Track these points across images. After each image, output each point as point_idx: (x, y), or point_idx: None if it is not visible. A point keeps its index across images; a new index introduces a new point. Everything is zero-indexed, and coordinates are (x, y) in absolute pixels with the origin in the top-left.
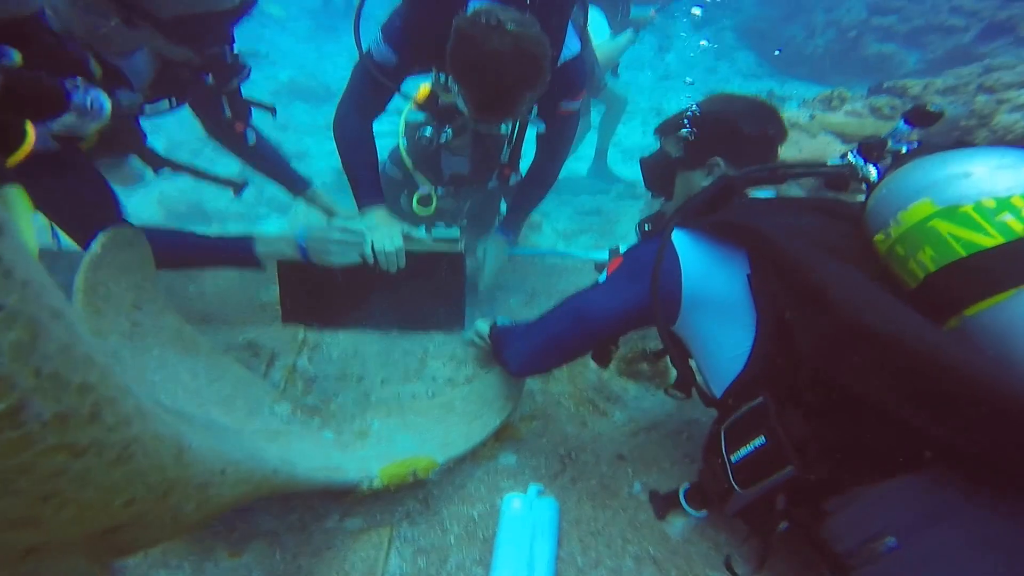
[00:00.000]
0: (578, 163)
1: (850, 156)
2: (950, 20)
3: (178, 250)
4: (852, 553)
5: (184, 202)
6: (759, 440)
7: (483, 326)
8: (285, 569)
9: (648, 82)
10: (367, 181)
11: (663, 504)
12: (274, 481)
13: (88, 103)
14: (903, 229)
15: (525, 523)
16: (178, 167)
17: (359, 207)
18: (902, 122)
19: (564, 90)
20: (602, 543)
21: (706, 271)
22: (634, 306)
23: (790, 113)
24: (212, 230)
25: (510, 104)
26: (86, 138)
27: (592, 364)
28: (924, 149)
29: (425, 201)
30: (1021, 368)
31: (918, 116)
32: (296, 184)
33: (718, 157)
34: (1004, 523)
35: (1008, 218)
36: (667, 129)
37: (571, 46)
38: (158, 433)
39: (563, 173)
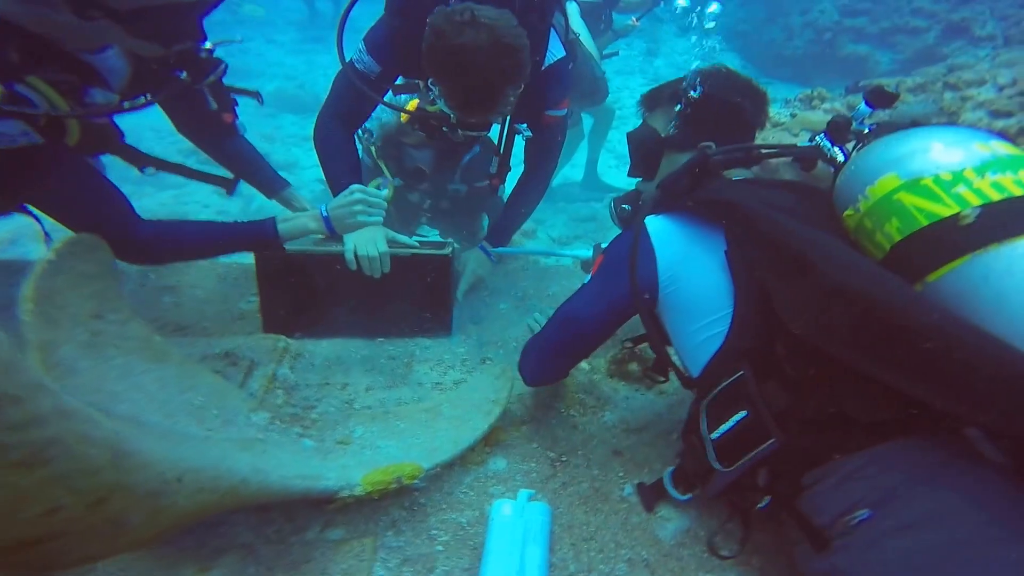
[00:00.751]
0: (573, 170)
1: (818, 139)
2: (913, 22)
3: (199, 238)
4: (829, 526)
5: (165, 216)
6: (740, 414)
7: (540, 318)
8: None
9: (638, 86)
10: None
11: (650, 495)
12: (244, 491)
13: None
14: (871, 203)
15: (515, 529)
16: (163, 165)
17: None
18: (863, 104)
19: (549, 94)
20: (594, 548)
21: (682, 253)
22: (617, 303)
23: (772, 112)
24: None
25: (492, 100)
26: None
27: (583, 365)
28: (885, 128)
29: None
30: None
31: (877, 97)
32: (275, 183)
33: (712, 142)
34: (978, 490)
35: (962, 189)
36: (656, 101)
37: (555, 50)
38: (86, 435)
39: (557, 180)
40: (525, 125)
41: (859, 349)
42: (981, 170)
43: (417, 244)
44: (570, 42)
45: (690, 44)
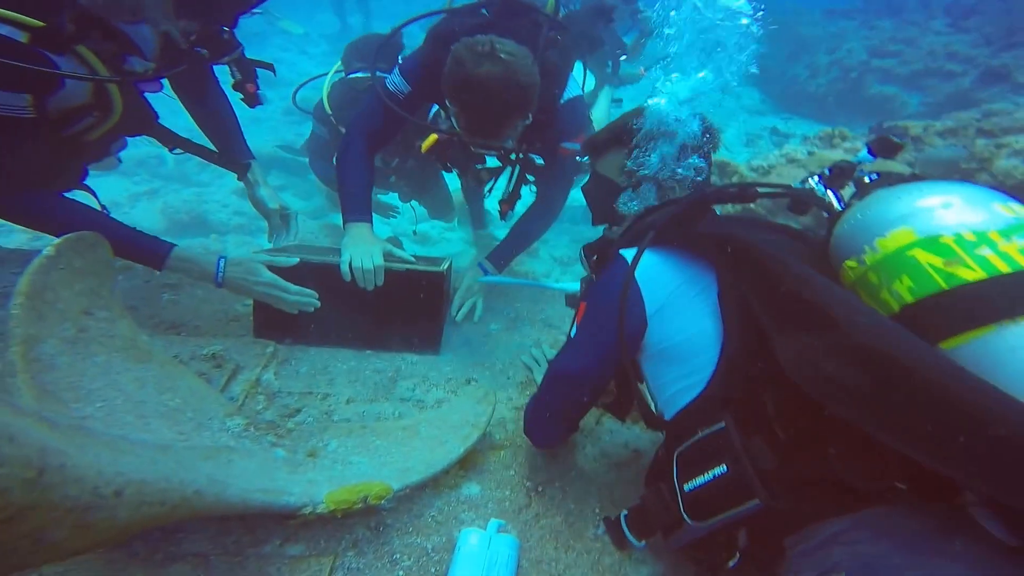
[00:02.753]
0: (578, 192)
1: (811, 181)
2: (948, 66)
3: (97, 228)
4: None
5: (186, 212)
6: (719, 468)
7: (537, 353)
8: None
9: None
10: (357, 198)
11: (618, 532)
12: (197, 503)
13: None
14: (879, 256)
15: (479, 561)
16: (189, 146)
17: (344, 222)
18: (865, 151)
19: (566, 128)
20: None
21: (669, 294)
22: (608, 357)
23: (789, 148)
24: (212, 242)
25: (498, 128)
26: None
27: None
28: (887, 179)
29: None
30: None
31: (881, 146)
32: (242, 153)
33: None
34: (972, 567)
35: (987, 252)
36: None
37: (572, 88)
38: None
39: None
40: (540, 155)
41: (877, 415)
42: (1007, 233)
43: (414, 259)
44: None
45: (711, 77)
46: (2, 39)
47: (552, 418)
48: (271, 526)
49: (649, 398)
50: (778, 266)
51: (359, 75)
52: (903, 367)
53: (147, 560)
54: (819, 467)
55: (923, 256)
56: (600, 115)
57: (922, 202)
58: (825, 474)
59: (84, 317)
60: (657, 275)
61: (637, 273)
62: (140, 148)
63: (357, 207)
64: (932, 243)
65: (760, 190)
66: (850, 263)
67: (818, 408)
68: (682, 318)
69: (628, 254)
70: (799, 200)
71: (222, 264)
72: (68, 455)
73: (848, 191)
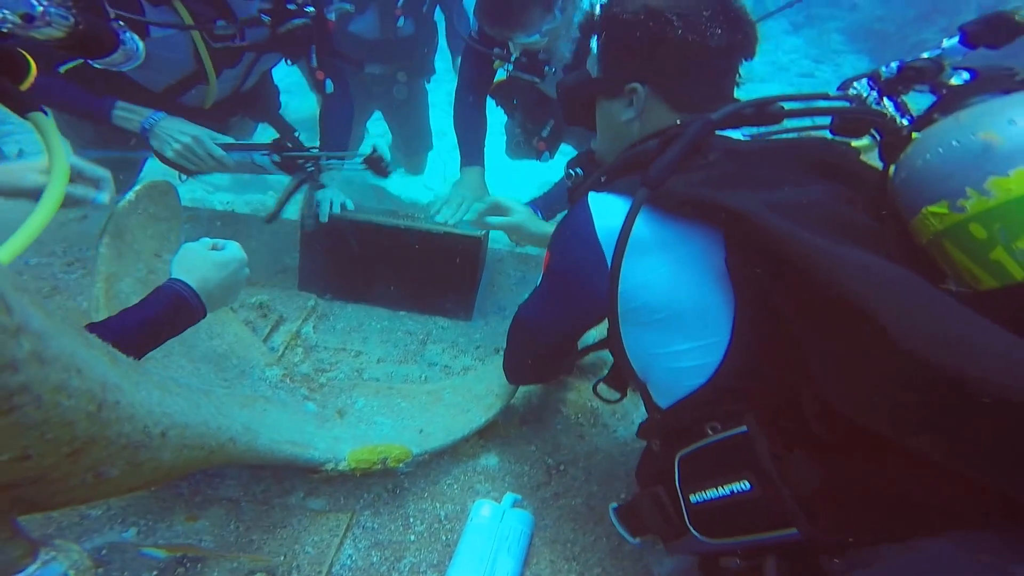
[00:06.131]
0: None
1: (857, 86)
2: None
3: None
4: None
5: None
6: (739, 485)
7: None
8: (236, 541)
9: None
10: (470, 145)
11: (632, 520)
12: (230, 450)
13: (133, 46)
14: (995, 202)
15: (490, 534)
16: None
17: (461, 166)
18: (958, 38)
19: None
20: (575, 570)
21: (652, 258)
22: (581, 318)
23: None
24: (271, 197)
25: (517, 14)
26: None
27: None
28: (994, 80)
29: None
30: None
31: (988, 29)
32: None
33: (636, 83)
34: None
35: None
36: (588, 29)
37: None
38: (62, 384)
39: None
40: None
41: (955, 452)
42: None
43: (452, 225)
44: None
45: (802, 42)
46: None
47: (520, 367)
48: (296, 478)
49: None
50: (801, 252)
51: None
52: (985, 390)
53: (189, 501)
54: (877, 478)
55: None
56: None
57: None
58: (883, 487)
59: (154, 259)
60: (639, 237)
61: (601, 233)
62: None
63: (469, 153)
64: None
65: (786, 106)
66: (935, 209)
67: None
68: (674, 287)
69: (599, 205)
70: (847, 119)
71: (159, 116)
72: (124, 391)
73: (916, 102)
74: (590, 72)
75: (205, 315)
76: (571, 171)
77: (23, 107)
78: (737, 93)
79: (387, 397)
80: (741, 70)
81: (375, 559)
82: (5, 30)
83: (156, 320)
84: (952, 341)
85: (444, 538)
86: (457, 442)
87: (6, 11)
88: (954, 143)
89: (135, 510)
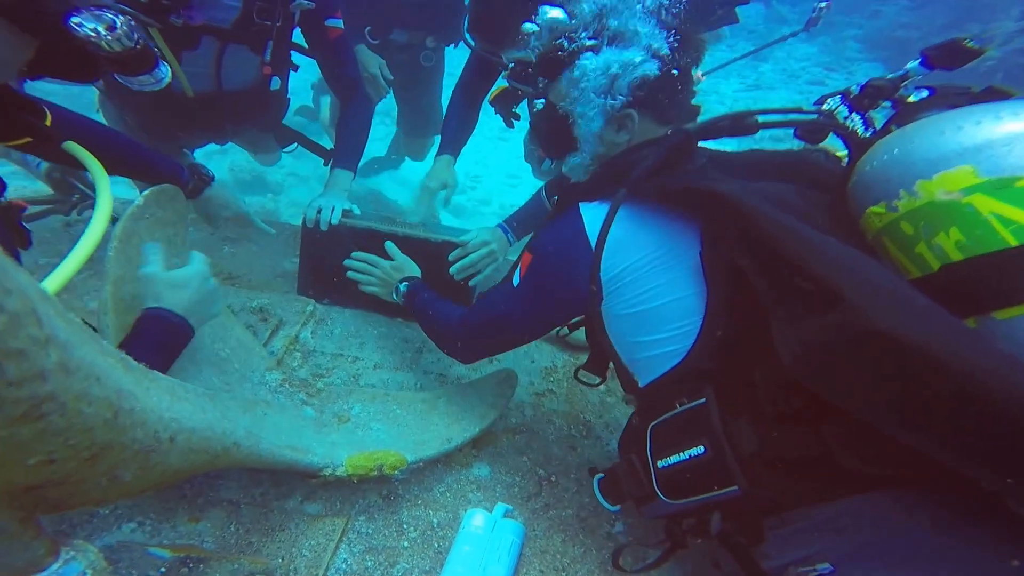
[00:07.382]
0: None
1: (830, 103)
2: None
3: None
4: (779, 571)
5: (249, 171)
6: (696, 449)
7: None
8: (236, 543)
9: (731, 91)
10: (447, 136)
11: (612, 491)
12: (234, 454)
13: (163, 72)
14: (920, 203)
15: (481, 543)
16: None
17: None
18: (919, 60)
19: None
20: None
21: (635, 262)
22: (556, 315)
23: None
24: (270, 200)
25: (510, 32)
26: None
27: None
28: (943, 98)
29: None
30: None
31: (947, 54)
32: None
33: (631, 110)
34: (962, 559)
35: None
36: (556, 66)
37: None
38: (84, 392)
39: None
40: None
41: (895, 412)
42: None
43: (450, 232)
44: None
45: (815, 50)
46: None
47: (477, 347)
48: (294, 482)
49: (623, 360)
50: (769, 226)
51: None
52: (933, 360)
53: (191, 502)
54: (810, 446)
55: (986, 204)
56: None
57: (992, 131)
58: (816, 454)
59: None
60: (621, 237)
61: (592, 237)
62: None
63: (446, 144)
64: (1003, 188)
65: (760, 119)
66: (876, 209)
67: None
68: (654, 282)
69: (589, 212)
70: (810, 128)
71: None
72: (137, 398)
73: (881, 116)
74: (564, 108)
75: (193, 333)
76: (551, 198)
77: (56, 139)
78: (744, 98)
79: (383, 403)
80: (753, 76)
81: (369, 564)
82: (90, 34)
83: (156, 348)
84: (895, 306)
85: (436, 545)
86: (451, 450)
87: (95, 21)
88: (895, 151)
89: (141, 510)
